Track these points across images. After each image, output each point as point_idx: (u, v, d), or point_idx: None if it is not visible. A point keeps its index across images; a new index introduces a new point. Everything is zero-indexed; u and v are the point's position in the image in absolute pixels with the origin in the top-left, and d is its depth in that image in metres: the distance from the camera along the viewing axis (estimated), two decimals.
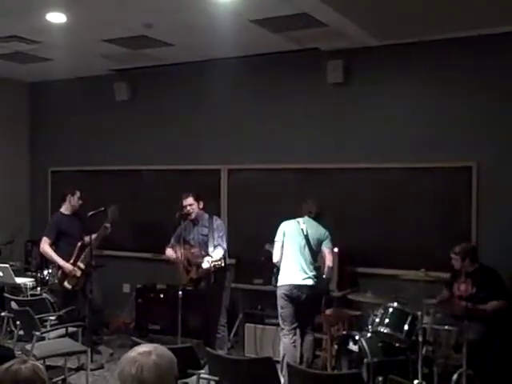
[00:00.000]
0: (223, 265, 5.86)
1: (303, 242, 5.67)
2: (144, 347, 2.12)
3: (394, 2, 5.21)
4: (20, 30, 6.24)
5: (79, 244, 6.60)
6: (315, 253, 5.70)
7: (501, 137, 6.07)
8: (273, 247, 5.97)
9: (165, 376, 2.05)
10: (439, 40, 6.21)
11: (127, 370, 2.04)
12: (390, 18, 5.64)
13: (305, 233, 5.69)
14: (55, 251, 6.66)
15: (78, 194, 6.84)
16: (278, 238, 5.79)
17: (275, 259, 5.80)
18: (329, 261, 5.69)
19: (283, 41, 6.42)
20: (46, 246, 6.70)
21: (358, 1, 5.23)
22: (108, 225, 6.59)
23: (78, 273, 6.58)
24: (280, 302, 5.70)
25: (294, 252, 5.69)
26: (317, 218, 5.80)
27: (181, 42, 6.59)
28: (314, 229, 5.73)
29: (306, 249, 5.66)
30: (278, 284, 5.72)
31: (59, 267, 6.62)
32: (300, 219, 5.78)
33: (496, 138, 6.08)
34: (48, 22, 5.87)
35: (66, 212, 6.85)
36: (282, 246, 5.75)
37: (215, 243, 6.12)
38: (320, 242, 5.70)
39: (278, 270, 6.44)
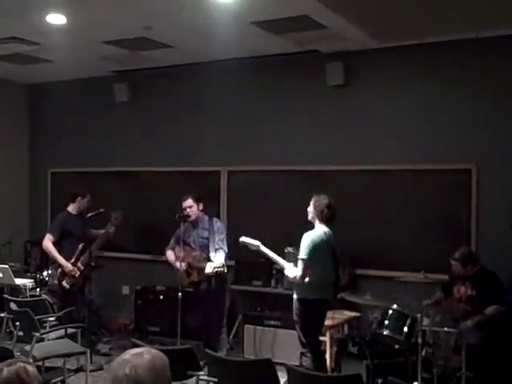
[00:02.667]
0: (226, 270, 5.85)
1: (331, 256, 5.18)
2: (135, 349, 2.09)
3: (393, 4, 5.22)
4: (20, 31, 6.24)
5: (81, 245, 6.62)
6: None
7: (500, 139, 6.08)
8: (248, 242, 5.43)
9: (160, 375, 2.03)
10: (439, 42, 6.22)
11: (121, 372, 1.98)
12: (390, 20, 5.65)
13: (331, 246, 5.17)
14: (58, 249, 6.67)
15: (88, 197, 6.85)
16: (306, 255, 5.02)
17: (299, 278, 5.04)
18: None
19: (284, 43, 6.42)
20: (48, 243, 6.71)
21: (357, 3, 5.24)
22: (112, 228, 6.63)
23: (78, 273, 6.59)
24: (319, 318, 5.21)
25: (325, 266, 5.15)
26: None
27: (181, 43, 6.59)
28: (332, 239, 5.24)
29: (332, 262, 5.20)
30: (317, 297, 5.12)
31: (59, 266, 6.63)
32: (326, 229, 5.15)
33: (496, 140, 6.09)
34: (48, 23, 5.88)
35: (73, 212, 6.86)
36: (310, 263, 5.02)
37: (216, 246, 6.10)
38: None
39: (278, 271, 6.44)
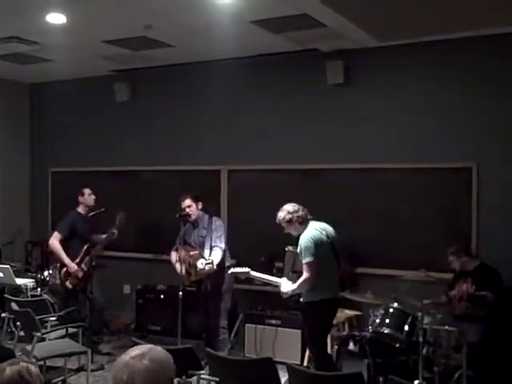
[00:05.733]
0: (215, 266, 5.84)
1: (332, 252, 5.11)
2: (137, 350, 2.09)
3: (393, 3, 5.21)
4: (20, 30, 6.24)
5: (86, 246, 6.62)
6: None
7: (501, 137, 6.07)
8: (237, 271, 5.50)
9: (158, 380, 2.04)
10: (439, 40, 6.21)
11: (119, 376, 2.02)
12: (390, 18, 5.64)
13: (330, 239, 5.10)
14: (64, 249, 6.67)
15: (86, 191, 6.86)
16: (310, 256, 4.92)
17: (309, 282, 4.96)
18: None
19: (283, 41, 6.42)
20: (55, 241, 6.70)
21: (357, 2, 5.23)
22: (115, 231, 6.63)
23: (81, 274, 6.60)
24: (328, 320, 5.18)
25: (330, 264, 5.12)
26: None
27: (181, 42, 6.59)
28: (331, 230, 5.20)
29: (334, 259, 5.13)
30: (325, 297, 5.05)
31: (63, 265, 6.63)
32: (317, 225, 5.11)
33: (496, 138, 6.08)
34: (48, 22, 5.88)
35: (82, 212, 6.88)
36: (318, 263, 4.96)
37: (212, 244, 6.10)
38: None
39: (279, 270, 6.43)
